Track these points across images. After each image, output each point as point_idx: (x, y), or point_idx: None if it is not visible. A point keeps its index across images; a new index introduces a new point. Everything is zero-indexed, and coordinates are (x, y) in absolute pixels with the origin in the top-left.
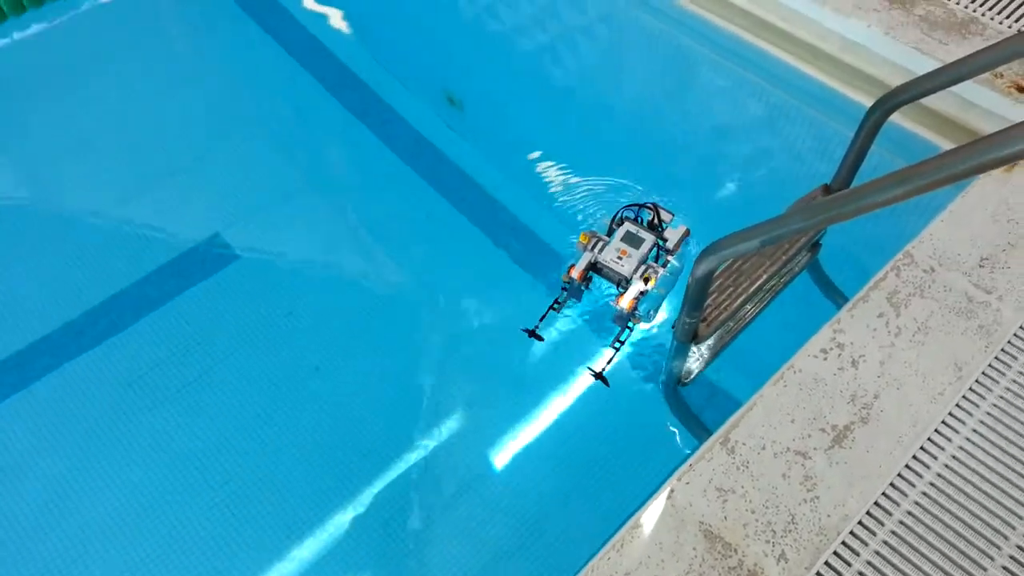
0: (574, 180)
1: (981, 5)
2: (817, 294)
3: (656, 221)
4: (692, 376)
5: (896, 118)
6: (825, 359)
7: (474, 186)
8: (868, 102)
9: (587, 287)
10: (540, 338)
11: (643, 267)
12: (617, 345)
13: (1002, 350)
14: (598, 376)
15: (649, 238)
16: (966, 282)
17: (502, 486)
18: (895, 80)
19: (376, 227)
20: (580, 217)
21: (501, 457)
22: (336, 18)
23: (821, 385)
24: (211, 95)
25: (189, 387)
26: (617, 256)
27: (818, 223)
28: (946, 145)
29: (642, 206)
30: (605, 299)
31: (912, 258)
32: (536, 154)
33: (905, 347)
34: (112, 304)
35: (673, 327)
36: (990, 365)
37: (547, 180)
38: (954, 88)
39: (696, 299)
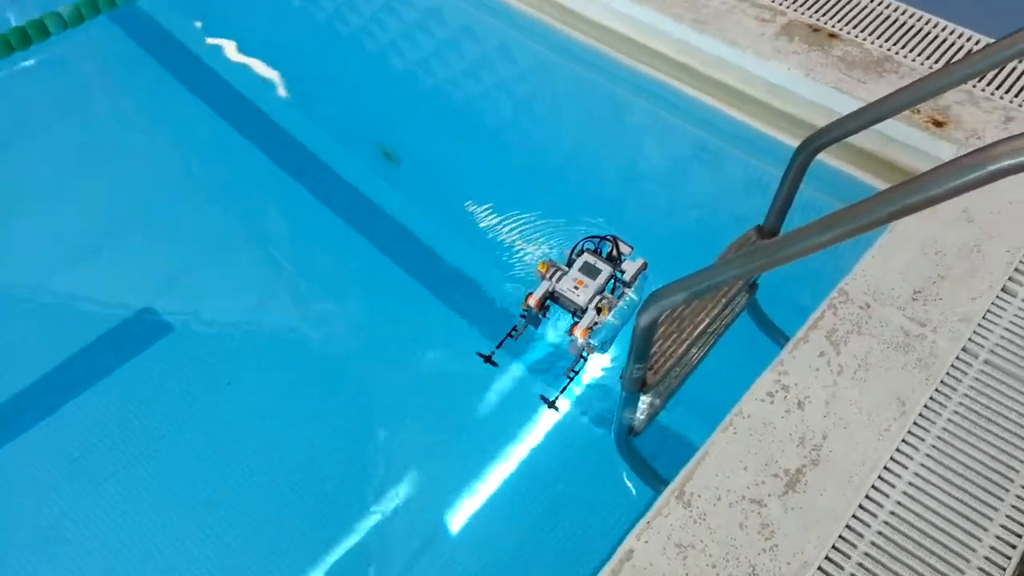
0: (511, 227)
1: (895, 44)
2: (759, 333)
3: (615, 253)
4: (643, 426)
5: (821, 155)
6: (772, 402)
7: (413, 238)
8: (795, 142)
9: (545, 315)
10: (494, 363)
11: (599, 297)
12: (571, 374)
13: (941, 382)
14: (550, 404)
15: (606, 269)
16: (901, 316)
17: (460, 545)
18: (819, 119)
19: (316, 282)
20: (518, 263)
21: (457, 513)
22: (266, 77)
23: (770, 429)
24: (139, 158)
25: (131, 464)
26: (574, 286)
27: (755, 269)
28: (869, 180)
29: (602, 238)
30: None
31: (847, 295)
32: (473, 203)
33: (848, 385)
34: (43, 384)
35: (621, 377)
36: (931, 398)
37: (485, 228)
38: (877, 126)
39: (642, 348)
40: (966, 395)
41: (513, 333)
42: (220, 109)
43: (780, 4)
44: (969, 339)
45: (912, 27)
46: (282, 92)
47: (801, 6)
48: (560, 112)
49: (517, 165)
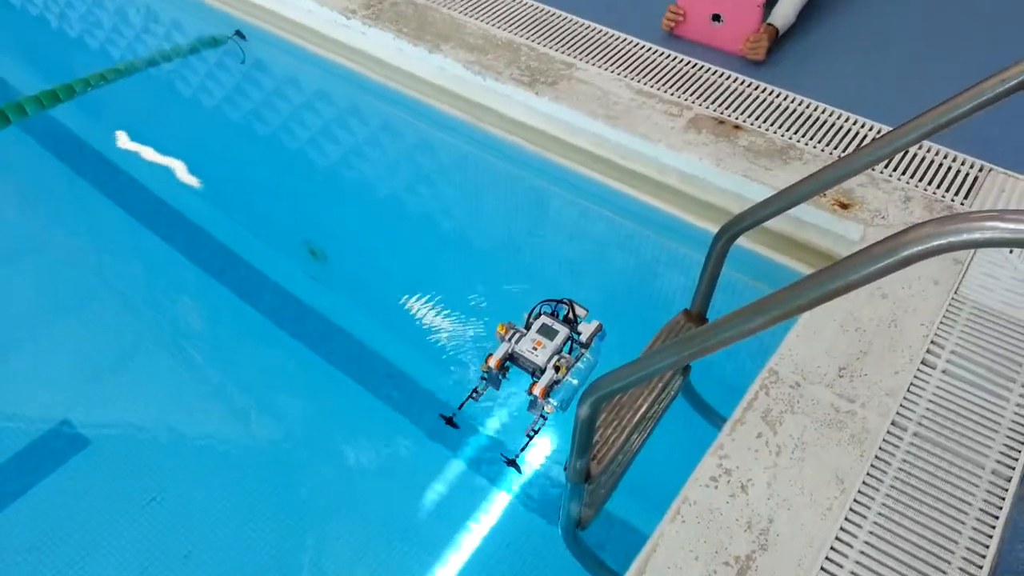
0: (441, 319)
1: (796, 133)
2: (695, 416)
3: (571, 316)
4: (591, 518)
5: (739, 239)
6: (716, 487)
7: (344, 334)
8: (713, 227)
9: (504, 376)
10: (456, 426)
11: (556, 357)
12: (531, 433)
13: (876, 457)
14: (511, 463)
15: (563, 331)
16: (830, 394)
17: None
18: (733, 205)
19: (242, 384)
20: (450, 353)
21: None
22: (186, 179)
23: (717, 515)
24: (48, 263)
25: None
26: (532, 347)
27: (688, 357)
28: (787, 262)
29: (558, 302)
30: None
31: (777, 375)
32: (403, 296)
33: (787, 465)
34: None
35: (565, 469)
36: (868, 474)
37: (416, 321)
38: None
39: (584, 440)
40: (901, 469)
41: (474, 395)
42: (138, 212)
43: (686, 99)
44: (897, 413)
45: (810, 116)
46: (203, 193)
47: (705, 101)
48: (486, 205)
49: (445, 257)
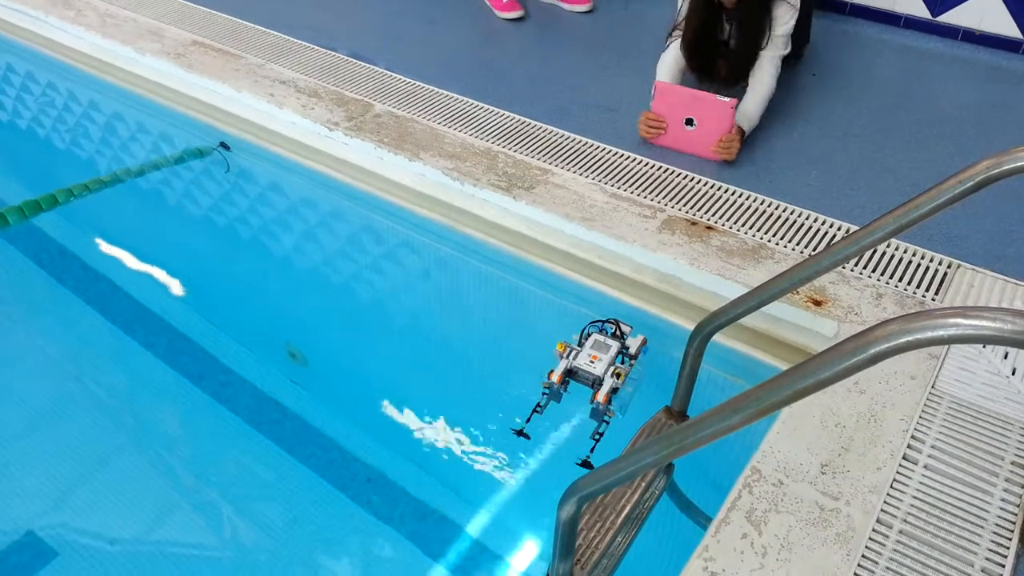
0: (423, 422)
1: (766, 233)
2: (680, 515)
3: (618, 332)
4: None
5: (716, 336)
6: None
7: (325, 439)
8: (690, 324)
9: (566, 390)
10: (527, 436)
11: (612, 367)
12: (597, 437)
13: (862, 556)
14: (585, 464)
15: (615, 345)
16: (814, 491)
17: None
18: (709, 302)
19: (221, 491)
20: (434, 457)
21: None
22: (163, 281)
23: None
24: (24, 370)
25: None
26: (589, 360)
27: (669, 455)
28: (764, 357)
29: (605, 321)
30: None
31: (760, 473)
32: (384, 400)
33: (774, 567)
34: None
35: (548, 574)
36: (855, 574)
37: (398, 425)
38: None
39: (566, 543)
40: (888, 568)
41: (538, 408)
42: (119, 319)
43: (658, 202)
44: (881, 510)
45: (779, 217)
46: (184, 299)
47: (678, 203)
48: (466, 307)
49: (426, 359)
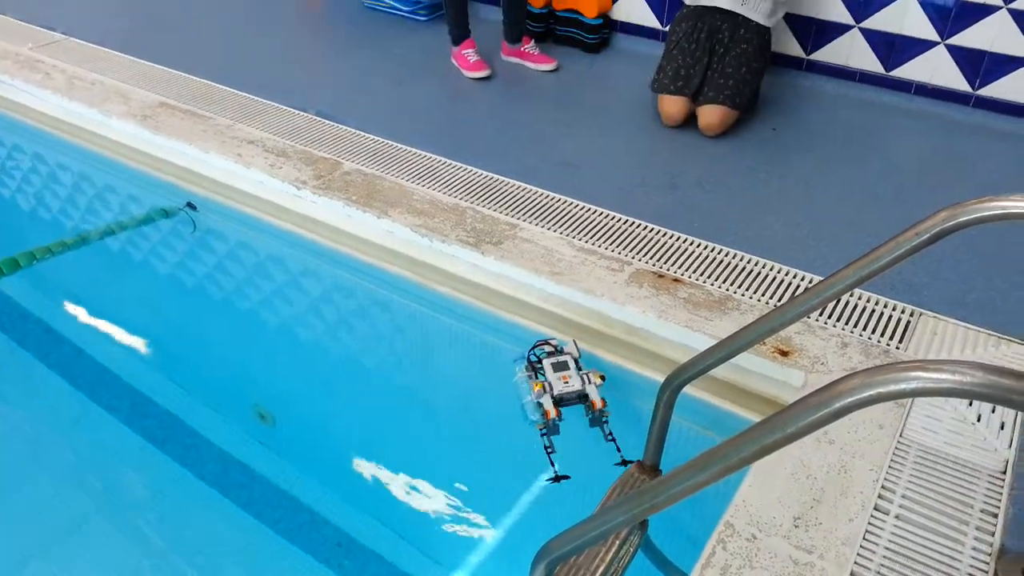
0: (394, 483)
1: (732, 284)
2: (656, 573)
3: (556, 349)
4: None
5: (686, 388)
6: None
7: (294, 501)
8: (660, 376)
9: (561, 418)
10: (566, 476)
11: (584, 374)
12: (611, 437)
13: None
14: (625, 462)
15: (567, 358)
16: (787, 545)
17: None
18: (678, 354)
19: (189, 557)
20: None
21: None
22: (127, 343)
23: None
24: None
25: None
26: (563, 382)
27: (641, 513)
28: (734, 409)
29: (536, 345)
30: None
31: (733, 528)
32: (356, 459)
33: None
34: None
35: None
36: None
37: (370, 485)
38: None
39: None
40: None
41: (550, 450)
42: (81, 382)
43: (625, 255)
44: (855, 562)
45: (744, 268)
46: (149, 361)
47: (644, 256)
48: (437, 362)
49: (398, 417)
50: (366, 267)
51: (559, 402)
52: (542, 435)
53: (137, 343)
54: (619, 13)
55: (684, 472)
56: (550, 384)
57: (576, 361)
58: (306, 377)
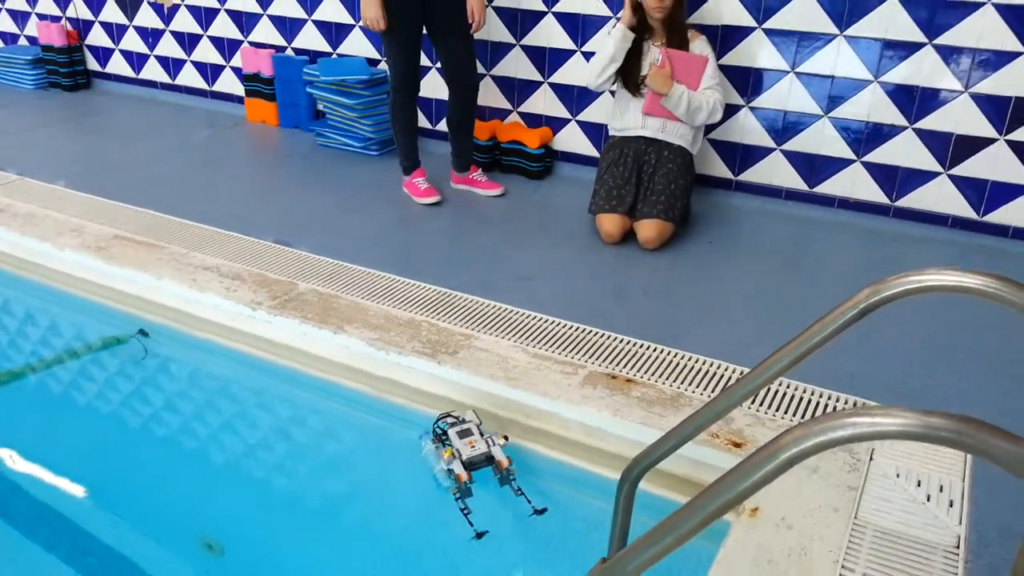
0: None
1: (683, 383)
2: None
3: (457, 419)
4: None
5: (651, 487)
6: None
7: None
8: (618, 476)
9: (472, 481)
10: (486, 531)
11: (488, 438)
12: (520, 492)
13: None
14: (537, 512)
15: (469, 424)
16: None
17: None
18: (636, 452)
19: None
20: None
21: None
22: (70, 483)
23: None
24: None
25: None
26: (470, 447)
27: None
28: None
29: (440, 419)
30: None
31: None
32: None
33: None
34: None
35: None
36: None
37: None
38: (686, 453)
39: None
40: None
41: (467, 512)
42: (18, 521)
43: (579, 359)
44: None
45: (693, 368)
46: (89, 495)
47: (597, 360)
48: (394, 481)
49: (349, 539)
50: (323, 384)
51: (468, 466)
52: (456, 499)
53: (78, 476)
54: (559, 143)
55: (641, 545)
56: (458, 450)
57: (478, 428)
58: (250, 502)
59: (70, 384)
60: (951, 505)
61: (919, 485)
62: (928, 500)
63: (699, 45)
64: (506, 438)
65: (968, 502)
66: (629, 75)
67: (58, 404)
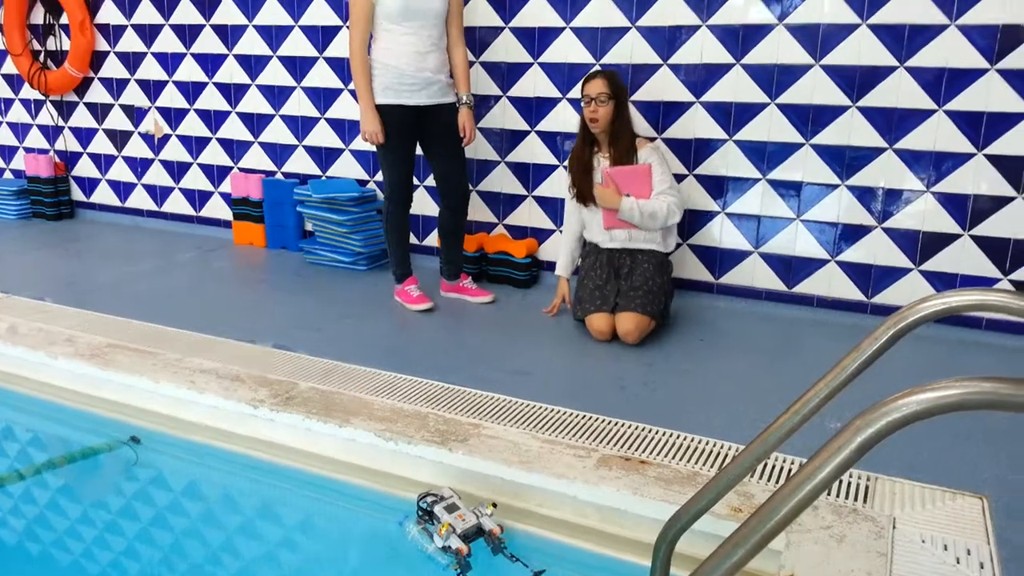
0: None
1: (696, 463)
2: None
3: (439, 497)
4: None
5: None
6: None
7: None
8: (637, 559)
9: (470, 554)
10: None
11: (475, 510)
12: (515, 558)
13: None
14: (538, 574)
15: (452, 499)
16: None
17: None
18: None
19: None
20: None
21: None
22: None
23: None
24: None
25: None
26: (460, 521)
27: None
28: None
29: (421, 498)
30: None
31: None
32: None
33: None
34: None
35: None
36: None
37: None
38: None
39: None
40: None
41: None
42: None
43: (590, 444)
44: None
45: (703, 449)
46: None
47: (608, 444)
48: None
49: None
50: (327, 482)
51: (463, 539)
52: (457, 573)
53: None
54: (544, 254)
55: (723, 552)
56: (452, 526)
57: (460, 501)
58: None
59: (61, 493)
60: (981, 567)
61: (946, 549)
62: (958, 563)
63: (645, 153)
64: (494, 505)
65: (998, 563)
66: (582, 190)
67: (48, 513)
